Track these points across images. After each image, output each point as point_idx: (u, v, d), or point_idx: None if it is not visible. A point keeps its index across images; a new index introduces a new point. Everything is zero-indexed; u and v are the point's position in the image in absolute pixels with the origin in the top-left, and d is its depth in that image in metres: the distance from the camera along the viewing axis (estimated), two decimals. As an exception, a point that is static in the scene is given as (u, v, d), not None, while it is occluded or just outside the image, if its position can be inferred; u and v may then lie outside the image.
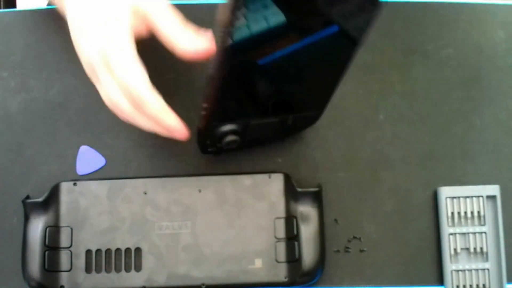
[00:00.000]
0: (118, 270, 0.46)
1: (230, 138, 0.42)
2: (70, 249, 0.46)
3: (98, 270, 0.46)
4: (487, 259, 0.49)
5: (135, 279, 0.46)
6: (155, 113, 0.39)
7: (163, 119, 0.40)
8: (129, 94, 0.39)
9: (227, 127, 0.41)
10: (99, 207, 0.47)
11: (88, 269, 0.46)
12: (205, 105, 0.38)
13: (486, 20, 0.54)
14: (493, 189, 0.49)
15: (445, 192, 0.49)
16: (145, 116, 0.40)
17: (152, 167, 0.50)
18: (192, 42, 0.40)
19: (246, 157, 0.50)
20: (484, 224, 0.49)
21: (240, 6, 0.31)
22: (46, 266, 0.45)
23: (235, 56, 0.34)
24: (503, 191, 0.50)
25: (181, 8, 0.53)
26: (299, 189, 0.47)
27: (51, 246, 0.46)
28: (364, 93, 0.52)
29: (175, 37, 0.40)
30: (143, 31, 0.42)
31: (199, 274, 0.46)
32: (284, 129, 0.48)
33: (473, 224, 0.49)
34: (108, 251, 0.46)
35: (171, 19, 0.41)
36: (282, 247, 0.47)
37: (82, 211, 0.47)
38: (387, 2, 0.53)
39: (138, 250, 0.46)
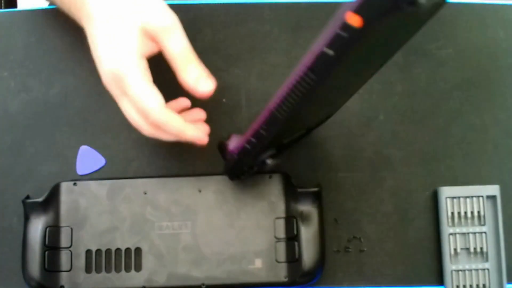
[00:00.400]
0: (118, 270, 0.46)
1: (272, 161, 0.42)
2: (70, 249, 0.46)
3: (98, 270, 0.46)
4: (487, 259, 0.49)
5: (135, 279, 0.46)
6: (174, 132, 0.41)
7: (183, 135, 0.41)
8: (146, 117, 0.40)
9: (268, 153, 0.42)
10: (99, 207, 0.47)
11: (88, 269, 0.46)
12: (253, 140, 0.39)
13: (486, 20, 0.54)
14: (493, 189, 0.49)
15: (445, 192, 0.49)
16: (165, 133, 0.41)
17: (152, 167, 0.50)
18: (196, 79, 0.41)
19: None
20: (484, 224, 0.49)
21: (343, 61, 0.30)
22: (46, 266, 0.45)
23: (314, 94, 0.34)
24: (503, 191, 0.50)
25: (181, 8, 0.53)
26: (299, 189, 0.47)
27: (51, 246, 0.46)
28: (364, 93, 0.52)
29: (181, 66, 0.41)
30: (154, 49, 0.42)
31: (199, 274, 0.46)
32: (304, 135, 0.48)
33: (473, 224, 0.49)
34: (108, 251, 0.46)
35: (180, 44, 0.41)
36: (282, 247, 0.47)
37: (82, 211, 0.47)
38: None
39: (138, 250, 0.46)
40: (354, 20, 0.27)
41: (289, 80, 0.33)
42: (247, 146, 0.40)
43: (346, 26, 0.27)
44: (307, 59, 0.31)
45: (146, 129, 0.42)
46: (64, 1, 0.47)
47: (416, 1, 0.24)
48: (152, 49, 0.42)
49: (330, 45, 0.29)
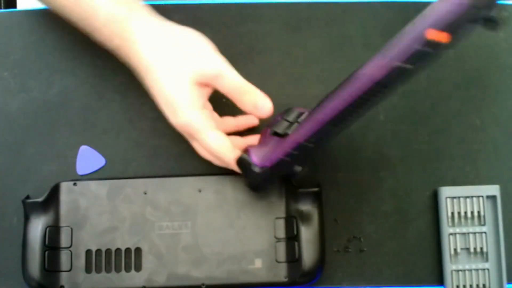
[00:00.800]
0: (118, 270, 0.46)
1: (303, 170, 0.43)
2: (70, 249, 0.46)
3: (98, 270, 0.46)
4: (487, 259, 0.49)
5: (135, 279, 0.46)
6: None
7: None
8: (217, 159, 0.45)
9: (301, 161, 0.42)
10: (99, 207, 0.47)
11: (88, 269, 0.46)
12: (295, 152, 0.40)
13: (486, 20, 0.54)
14: (493, 189, 0.49)
15: (445, 192, 0.49)
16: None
17: (152, 167, 0.50)
18: (253, 106, 0.44)
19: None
20: (484, 224, 0.49)
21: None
22: (46, 266, 0.45)
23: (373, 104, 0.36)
24: (503, 191, 0.50)
25: (181, 8, 0.53)
26: (299, 189, 0.47)
27: (51, 246, 0.46)
28: (364, 93, 0.52)
29: (238, 99, 0.44)
30: (210, 91, 0.45)
31: (199, 274, 0.46)
32: None
33: (473, 224, 0.49)
34: (108, 251, 0.46)
35: (232, 83, 0.43)
36: (282, 247, 0.47)
37: (82, 211, 0.47)
38: (386, 2, 0.54)
39: (138, 250, 0.46)
40: (441, 37, 0.31)
41: (346, 95, 0.35)
42: (286, 158, 0.41)
43: (430, 43, 0.31)
44: (375, 74, 0.33)
45: (216, 163, 0.46)
46: (95, 26, 0.45)
47: (495, 18, 0.31)
48: (209, 92, 0.44)
49: (408, 59, 0.32)
